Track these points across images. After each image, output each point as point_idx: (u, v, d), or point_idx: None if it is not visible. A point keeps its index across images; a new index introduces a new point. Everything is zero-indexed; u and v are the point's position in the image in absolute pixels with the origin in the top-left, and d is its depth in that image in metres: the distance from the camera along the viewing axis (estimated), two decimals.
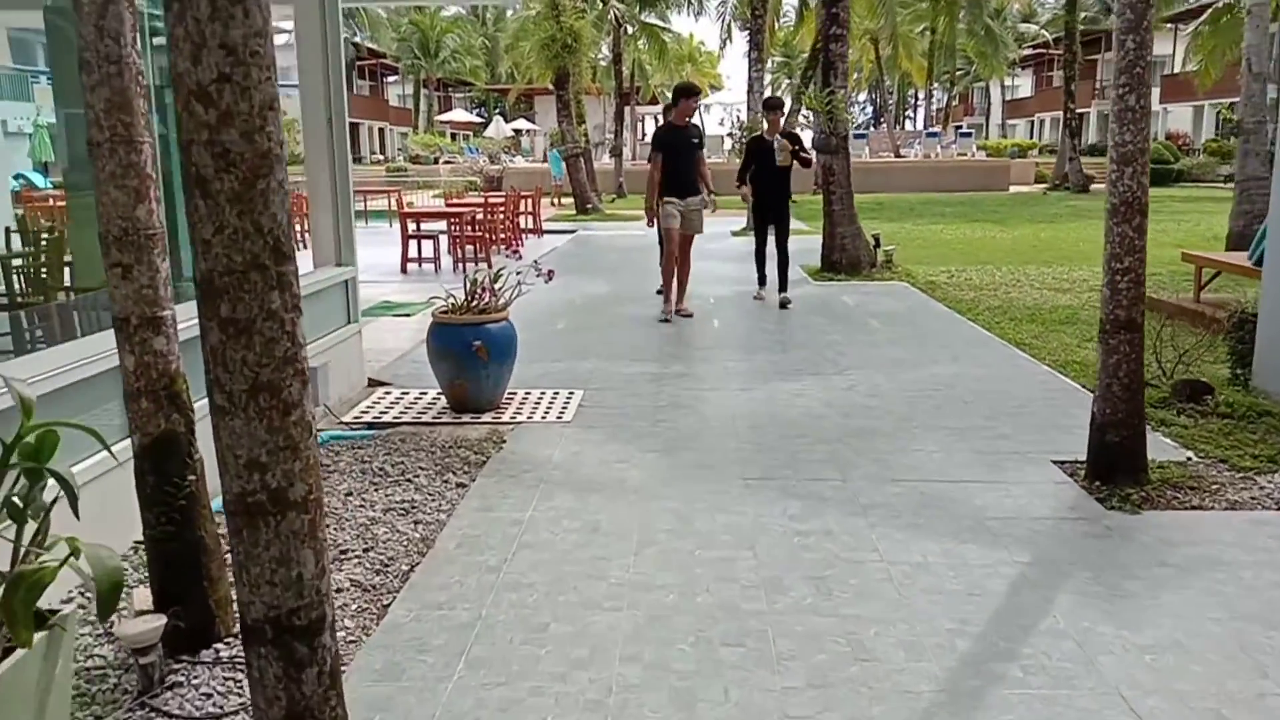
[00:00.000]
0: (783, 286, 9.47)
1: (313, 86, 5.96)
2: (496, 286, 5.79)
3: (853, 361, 6.97)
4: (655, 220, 8.96)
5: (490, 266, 13.84)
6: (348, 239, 6.09)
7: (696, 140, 9.04)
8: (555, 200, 27.18)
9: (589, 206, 22.55)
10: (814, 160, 10.24)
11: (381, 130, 64.05)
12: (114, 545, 3.22)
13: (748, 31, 19.89)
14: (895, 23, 35.87)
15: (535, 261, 6.11)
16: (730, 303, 9.71)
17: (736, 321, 8.73)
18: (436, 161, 45.35)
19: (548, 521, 3.98)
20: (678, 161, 8.80)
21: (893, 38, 36.91)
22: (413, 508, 4.14)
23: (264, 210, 1.65)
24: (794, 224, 18.84)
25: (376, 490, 4.36)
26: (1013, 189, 32.02)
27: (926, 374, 6.55)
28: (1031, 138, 54.53)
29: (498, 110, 58.68)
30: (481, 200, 14.62)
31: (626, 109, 35.79)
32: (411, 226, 13.87)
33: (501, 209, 15.64)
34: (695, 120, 9.10)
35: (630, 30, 36.57)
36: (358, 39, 57.53)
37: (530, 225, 18.59)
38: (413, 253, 13.64)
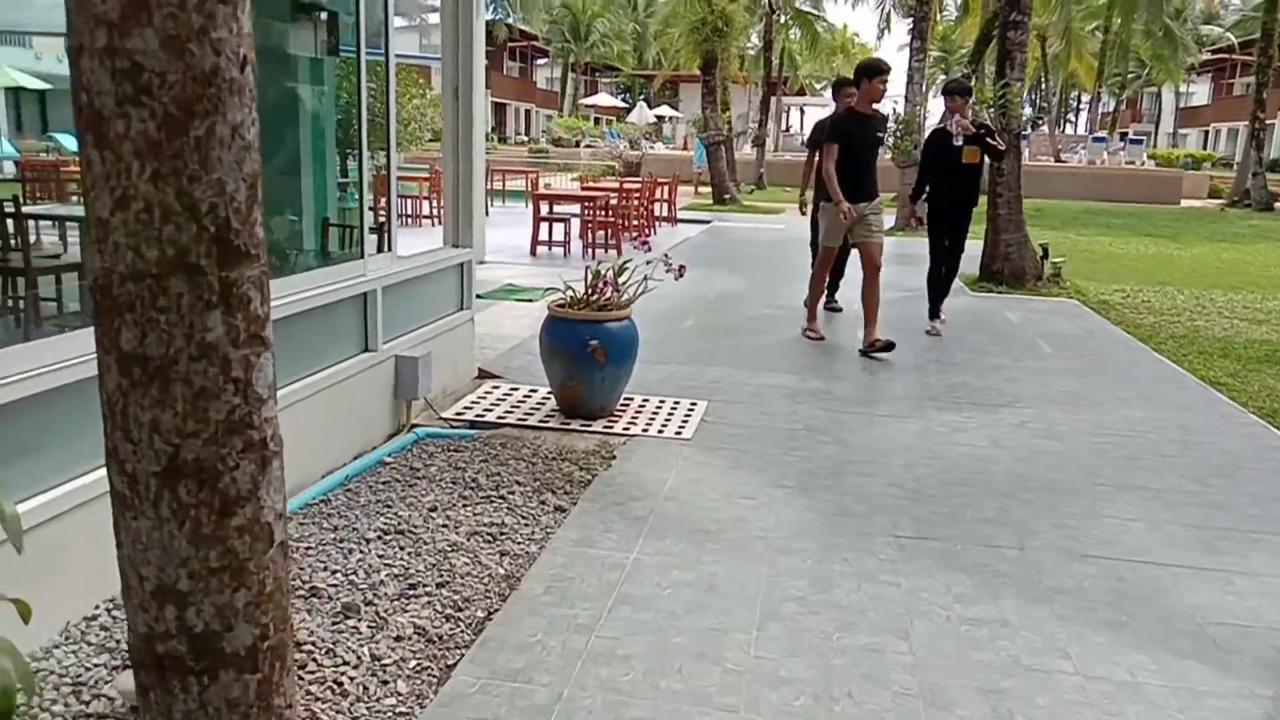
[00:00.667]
0: (934, 312, 8.06)
1: (445, 53, 5.45)
2: (620, 281, 5.16)
3: (1022, 392, 6.04)
4: (806, 211, 7.76)
5: (620, 253, 13.29)
6: (467, 219, 5.57)
7: (881, 134, 7.56)
8: (695, 188, 26.51)
9: (727, 197, 21.78)
10: (1004, 151, 8.42)
11: (528, 112, 64.78)
12: (77, 609, 2.79)
13: (911, 19, 18.69)
14: (1070, 17, 33.57)
15: (666, 255, 5.46)
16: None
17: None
18: (578, 145, 45.40)
19: (654, 569, 3.32)
20: (859, 156, 7.03)
21: (1065, 35, 34.57)
22: (501, 533, 3.55)
23: (201, 173, 1.01)
24: None
25: (465, 507, 3.79)
26: (1184, 203, 29.56)
27: (1113, 415, 5.57)
28: (1205, 149, 50.62)
29: (642, 96, 58.35)
30: (616, 185, 14.09)
31: (772, 99, 34.72)
32: (544, 209, 13.44)
33: (636, 195, 15.07)
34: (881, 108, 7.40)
35: (783, 18, 35.47)
36: (510, 20, 58.20)
37: (665, 213, 17.99)
38: (543, 235, 13.21)
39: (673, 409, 5.34)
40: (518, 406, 5.25)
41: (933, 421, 5.30)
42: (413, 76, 19.20)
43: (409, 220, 15.82)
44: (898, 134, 16.91)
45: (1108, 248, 15.74)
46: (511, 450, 4.51)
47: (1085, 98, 59.11)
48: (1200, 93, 60.70)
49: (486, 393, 5.51)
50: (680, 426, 5.00)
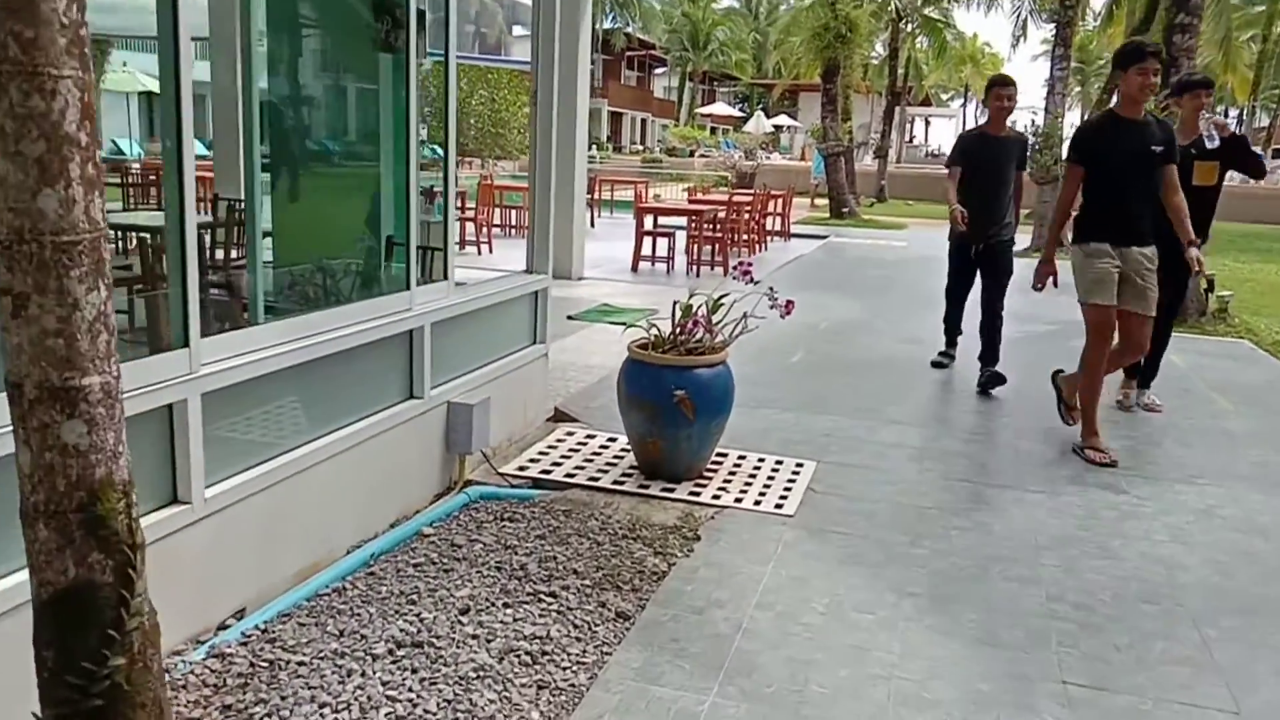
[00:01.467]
0: (1143, 379, 6.21)
1: (532, 55, 4.77)
2: (715, 319, 4.37)
3: (1203, 464, 4.96)
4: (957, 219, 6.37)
5: (727, 270, 12.48)
6: (544, 241, 4.85)
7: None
8: (812, 201, 25.45)
9: (845, 210, 20.68)
10: (1262, 167, 6.57)
11: (644, 121, 64.59)
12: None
13: (1054, 24, 17.27)
14: (1230, 25, 31.12)
15: (771, 289, 4.62)
16: (1021, 346, 7.78)
17: (1031, 377, 6.84)
18: (692, 154, 44.76)
19: None
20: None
21: (1223, 44, 32.05)
22: (544, 653, 2.79)
23: None
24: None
25: (506, 607, 3.04)
26: None
27: None
28: None
29: (760, 106, 57.42)
30: (725, 198, 13.29)
31: (896, 109, 33.30)
32: (647, 222, 12.73)
33: (747, 208, 14.21)
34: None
35: (910, 26, 34.02)
36: (629, 29, 58.08)
37: (778, 227, 17.07)
38: (646, 250, 12.50)
39: (774, 471, 4.50)
40: (591, 460, 4.50)
41: (1096, 501, 4.30)
42: (523, 83, 18.83)
43: (512, 230, 15.42)
44: (1036, 147, 15.56)
45: (1275, 276, 14.07)
46: (576, 521, 3.76)
47: (1233, 111, 55.28)
48: None
49: (559, 440, 4.77)
50: (782, 497, 4.16)
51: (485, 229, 13.74)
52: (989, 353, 6.46)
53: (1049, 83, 16.36)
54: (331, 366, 3.28)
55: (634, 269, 12.16)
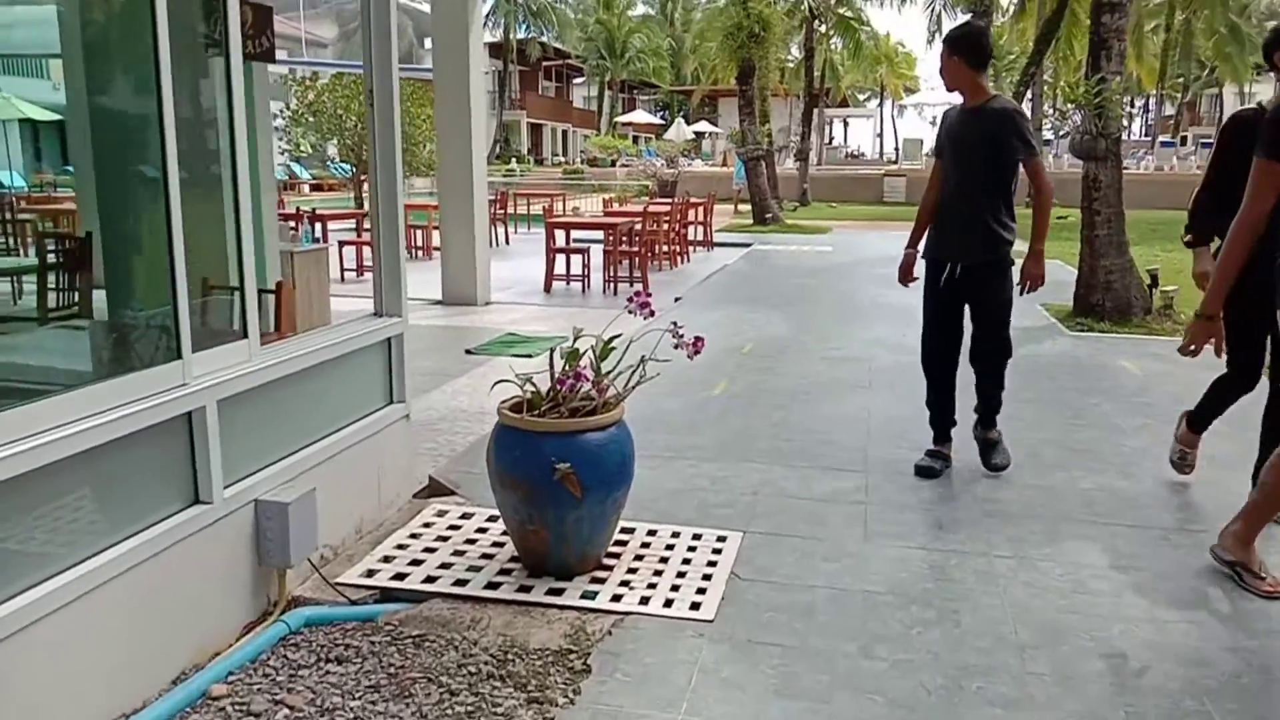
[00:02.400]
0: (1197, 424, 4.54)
1: (364, 48, 3.83)
2: (606, 367, 3.50)
3: (1200, 505, 4.23)
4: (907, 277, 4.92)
5: (646, 286, 11.68)
6: (392, 277, 3.92)
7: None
8: (735, 207, 24.82)
9: (768, 216, 20.05)
10: None
11: (565, 132, 63.81)
12: None
13: (970, 15, 16.86)
14: (1140, 14, 31.43)
15: (674, 324, 3.77)
16: None
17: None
18: (614, 164, 44.03)
19: None
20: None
21: (1133, 34, 32.33)
22: None
23: None
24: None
25: None
26: None
27: None
28: None
29: (681, 113, 57.05)
30: (641, 209, 12.47)
31: (814, 111, 32.94)
32: (559, 238, 11.83)
33: (665, 219, 13.42)
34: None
35: (825, 26, 33.73)
36: (544, 38, 57.22)
37: (700, 236, 16.33)
38: (561, 268, 11.62)
39: (690, 551, 3.64)
40: (463, 552, 3.58)
41: (1082, 568, 3.52)
42: (427, 94, 17.79)
43: (419, 253, 14.46)
44: None
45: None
46: (429, 654, 2.84)
47: (1138, 102, 56.52)
48: (1263, 92, 57.85)
49: (426, 525, 3.85)
50: (699, 591, 3.29)
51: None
52: (984, 410, 4.75)
53: None
54: (50, 481, 2.32)
55: (547, 289, 11.27)
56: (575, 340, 3.50)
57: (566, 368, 3.40)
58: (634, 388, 3.48)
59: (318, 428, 3.45)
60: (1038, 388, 6.25)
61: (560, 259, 11.63)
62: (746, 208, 21.71)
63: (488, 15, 54.55)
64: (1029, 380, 6.44)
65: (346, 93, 19.60)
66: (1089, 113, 8.61)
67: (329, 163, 20.86)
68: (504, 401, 3.41)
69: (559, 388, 3.31)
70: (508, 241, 17.07)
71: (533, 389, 3.39)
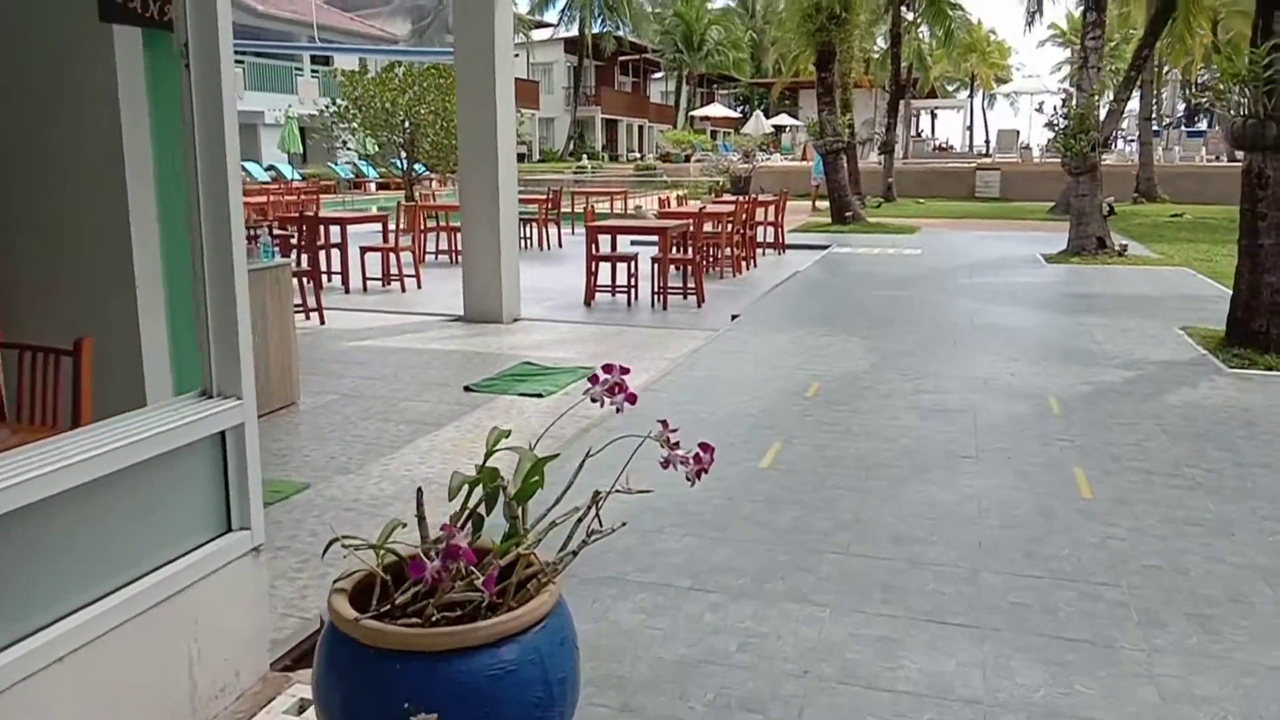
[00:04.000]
0: None
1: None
2: (523, 520, 2.00)
3: None
4: None
5: (702, 300, 10.07)
6: (225, 337, 2.48)
7: None
8: (813, 204, 23.08)
9: (849, 215, 18.30)
10: None
11: (641, 128, 62.62)
12: None
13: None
14: None
15: (664, 425, 2.24)
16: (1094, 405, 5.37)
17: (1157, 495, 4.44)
18: (688, 159, 42.55)
19: None
20: None
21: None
22: None
23: None
24: (1132, 246, 13.65)
25: None
26: None
27: None
28: None
29: (760, 106, 55.26)
30: (696, 211, 10.93)
31: (901, 102, 30.90)
32: (605, 244, 10.40)
33: (728, 219, 11.87)
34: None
35: (913, 13, 31.65)
36: (620, 32, 55.94)
37: (771, 238, 14.72)
38: (606, 278, 10.19)
39: None
40: None
41: None
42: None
43: (457, 256, 13.27)
44: (1068, 131, 13.17)
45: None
46: None
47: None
48: None
49: None
50: None
51: (416, 259, 11.47)
52: None
53: (1080, 56, 13.95)
54: None
55: (588, 303, 9.85)
56: (487, 458, 2.02)
57: (435, 544, 1.91)
58: (574, 554, 1.98)
59: (72, 591, 2.06)
60: (1209, 462, 4.56)
61: (605, 268, 10.21)
62: (825, 205, 19.97)
63: (562, 10, 53.54)
64: (1192, 449, 4.74)
65: (398, 85, 18.52)
66: (1256, 90, 6.79)
67: (395, 160, 20.05)
68: (344, 577, 1.95)
69: (431, 570, 1.83)
70: (560, 244, 15.72)
71: (395, 556, 1.92)
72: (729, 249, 12.01)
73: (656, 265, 9.79)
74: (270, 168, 30.65)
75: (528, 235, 15.53)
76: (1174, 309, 8.94)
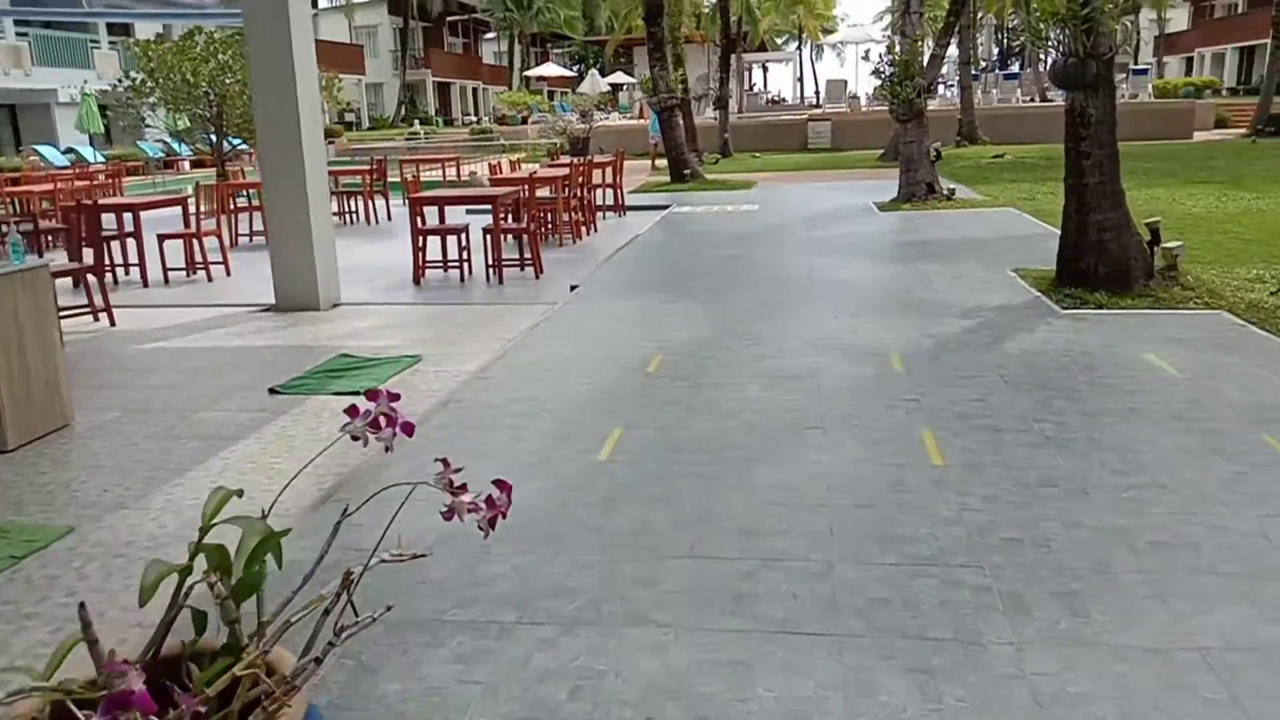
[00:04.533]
0: None
1: None
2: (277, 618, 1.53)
3: None
4: None
5: (540, 272, 9.56)
6: None
7: None
8: (652, 162, 22.81)
9: (687, 173, 18.07)
10: None
11: (475, 90, 60.93)
12: None
13: None
14: None
15: (444, 465, 1.81)
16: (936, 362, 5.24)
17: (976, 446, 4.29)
18: (525, 121, 41.61)
19: None
20: None
21: None
22: None
23: None
24: (959, 189, 13.83)
25: None
26: (1198, 135, 26.29)
27: None
28: (1187, 76, 47.01)
29: (596, 65, 54.58)
30: (527, 177, 10.34)
31: (733, 56, 30.93)
32: (432, 216, 9.71)
33: (565, 183, 11.39)
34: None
35: None
36: None
37: (611, 201, 14.31)
38: (436, 253, 9.56)
39: None
40: None
41: None
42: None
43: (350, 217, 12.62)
44: (894, 78, 13.26)
45: (1172, 205, 12.20)
46: None
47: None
48: (1179, 18, 57.43)
49: None
50: None
51: (223, 244, 10.48)
52: None
53: (903, 2, 14.05)
54: None
55: (416, 282, 9.21)
56: (203, 533, 1.53)
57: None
58: (318, 662, 1.52)
59: None
60: (1056, 413, 4.45)
61: (435, 242, 9.57)
62: (665, 164, 19.70)
63: None
64: (1037, 400, 4.64)
65: (199, 54, 17.01)
66: (1075, 28, 6.80)
67: (204, 135, 18.42)
68: (10, 697, 1.43)
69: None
70: (389, 217, 14.86)
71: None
72: (566, 215, 11.54)
73: (489, 237, 9.23)
74: (69, 150, 28.07)
75: (352, 210, 14.61)
76: (1004, 251, 9.06)
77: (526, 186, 9.63)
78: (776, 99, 52.45)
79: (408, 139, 37.06)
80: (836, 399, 4.79)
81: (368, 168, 15.19)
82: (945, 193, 13.27)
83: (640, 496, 3.67)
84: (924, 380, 5.04)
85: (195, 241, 9.84)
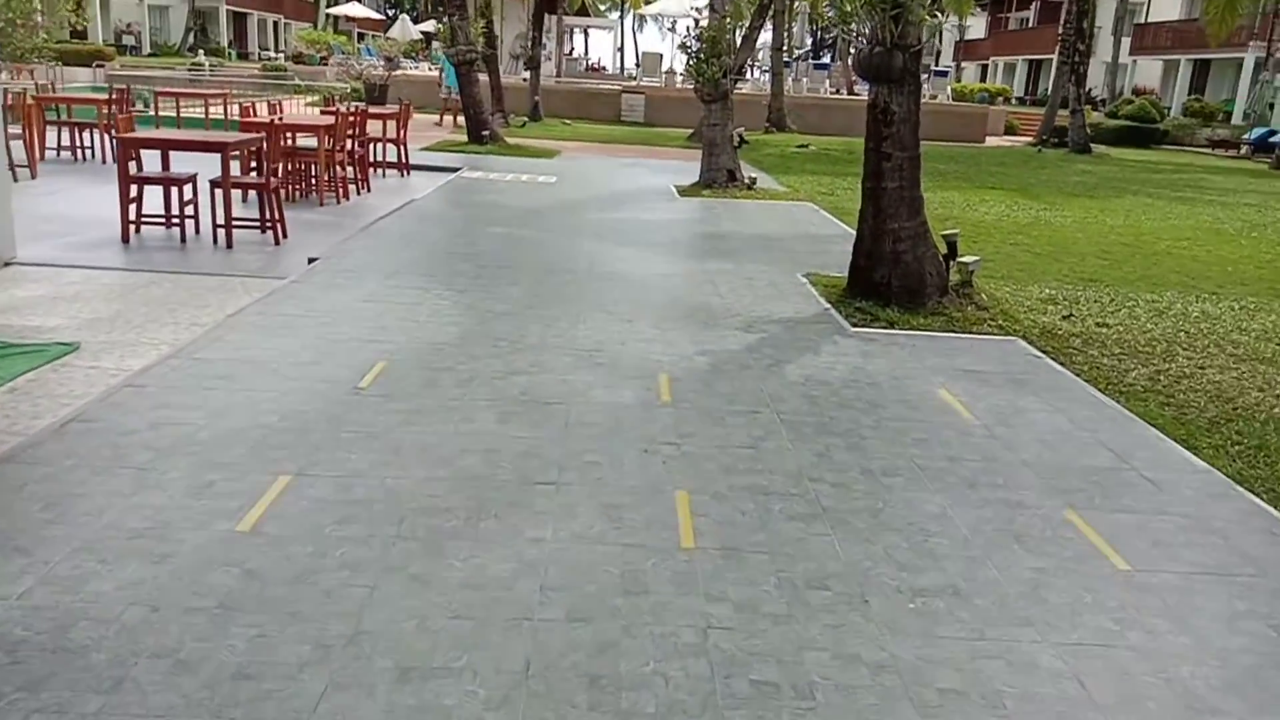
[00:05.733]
0: None
1: None
2: None
3: None
4: None
5: (282, 236, 8.05)
6: None
7: None
8: (443, 119, 21.29)
9: (485, 134, 16.76)
10: None
11: (276, 24, 56.43)
12: None
13: None
14: None
15: None
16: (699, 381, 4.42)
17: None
18: (324, 62, 38.70)
19: None
20: None
21: None
22: None
23: None
24: (761, 178, 13.23)
25: None
26: (989, 140, 27.47)
27: None
28: (981, 83, 49.72)
29: (411, 10, 51.72)
30: (272, 122, 8.79)
31: (551, 17, 29.61)
32: (147, 162, 8.09)
33: (329, 132, 9.94)
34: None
35: None
36: None
37: (393, 158, 12.87)
38: (157, 206, 7.99)
39: None
40: None
41: None
42: None
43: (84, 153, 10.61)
44: (701, 56, 12.51)
45: (965, 211, 12.14)
46: None
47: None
48: (977, 26, 60.66)
49: None
50: None
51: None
52: None
53: None
54: None
55: (125, 239, 7.63)
56: None
57: None
58: None
59: None
60: (835, 469, 3.71)
61: (155, 194, 8.00)
62: (463, 121, 18.27)
63: None
64: (821, 443, 3.89)
65: None
66: (882, 15, 6.14)
67: None
68: None
69: None
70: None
71: None
72: (329, 171, 10.10)
73: (218, 191, 7.74)
74: None
75: (87, 145, 12.47)
76: (798, 251, 8.46)
77: (271, 134, 8.16)
78: (596, 66, 51.37)
79: (189, 69, 33.53)
80: (583, 437, 3.87)
81: (106, 97, 13.04)
82: (746, 181, 12.70)
83: (272, 601, 2.60)
84: (690, 415, 4.21)
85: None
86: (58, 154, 12.21)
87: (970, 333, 5.99)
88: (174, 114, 16.14)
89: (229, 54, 46.17)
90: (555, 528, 3.09)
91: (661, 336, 5.47)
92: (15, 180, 9.97)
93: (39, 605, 2.51)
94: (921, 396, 4.67)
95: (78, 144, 12.30)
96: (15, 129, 10.41)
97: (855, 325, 5.98)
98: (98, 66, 29.81)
